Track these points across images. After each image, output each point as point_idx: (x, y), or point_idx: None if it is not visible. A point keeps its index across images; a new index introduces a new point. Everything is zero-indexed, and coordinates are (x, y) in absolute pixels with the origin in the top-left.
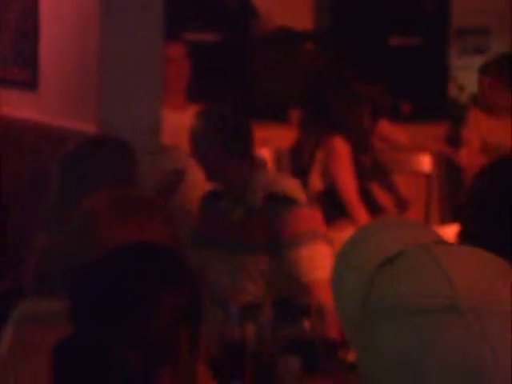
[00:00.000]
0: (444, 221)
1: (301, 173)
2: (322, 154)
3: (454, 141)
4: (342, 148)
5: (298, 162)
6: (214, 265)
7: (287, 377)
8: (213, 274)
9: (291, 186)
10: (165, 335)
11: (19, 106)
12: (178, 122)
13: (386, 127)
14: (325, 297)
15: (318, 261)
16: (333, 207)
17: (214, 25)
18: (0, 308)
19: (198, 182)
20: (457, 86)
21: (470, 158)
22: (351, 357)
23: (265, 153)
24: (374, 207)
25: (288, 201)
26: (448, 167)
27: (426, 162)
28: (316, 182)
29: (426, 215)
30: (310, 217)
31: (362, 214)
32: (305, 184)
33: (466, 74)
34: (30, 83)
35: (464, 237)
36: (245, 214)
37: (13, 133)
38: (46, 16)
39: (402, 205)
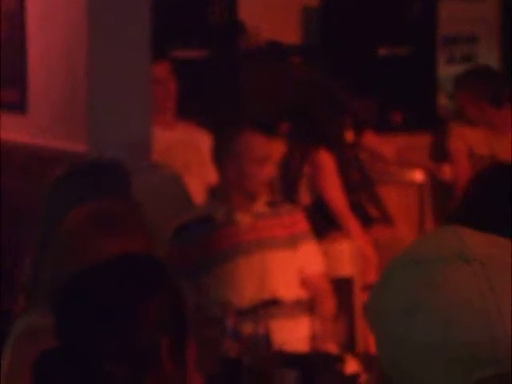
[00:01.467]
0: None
1: (289, 186)
2: (308, 168)
3: (442, 151)
4: (327, 161)
5: (286, 176)
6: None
7: None
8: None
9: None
10: (148, 346)
11: (8, 128)
12: (168, 139)
13: (371, 139)
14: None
15: (319, 256)
16: (323, 220)
17: (201, 41)
18: (2, 326)
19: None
20: (446, 94)
21: (454, 173)
22: (349, 370)
23: None
24: (365, 219)
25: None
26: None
27: (418, 173)
28: (304, 196)
29: (419, 225)
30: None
31: (354, 225)
32: (292, 198)
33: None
34: (19, 105)
35: None
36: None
37: (2, 155)
38: (33, 36)
39: (386, 219)
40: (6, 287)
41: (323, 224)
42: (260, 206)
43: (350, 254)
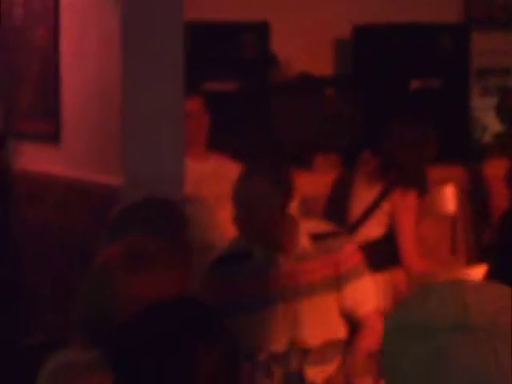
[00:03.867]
0: (471, 262)
1: (338, 216)
2: (388, 205)
3: (477, 182)
4: (414, 204)
5: (339, 206)
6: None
7: None
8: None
9: (326, 224)
10: None
11: (42, 160)
12: (200, 172)
13: None
14: (380, 326)
15: (371, 292)
16: (388, 254)
17: (233, 73)
18: (33, 361)
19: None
20: (479, 126)
21: (490, 203)
22: None
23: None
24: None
25: (337, 234)
26: (473, 208)
27: (450, 204)
28: (373, 229)
29: (452, 256)
30: (357, 248)
31: (418, 264)
32: (344, 227)
33: (488, 115)
34: (53, 136)
35: (492, 276)
36: (295, 260)
37: (36, 187)
38: (67, 68)
39: (427, 254)
40: (39, 320)
41: (386, 258)
42: (303, 242)
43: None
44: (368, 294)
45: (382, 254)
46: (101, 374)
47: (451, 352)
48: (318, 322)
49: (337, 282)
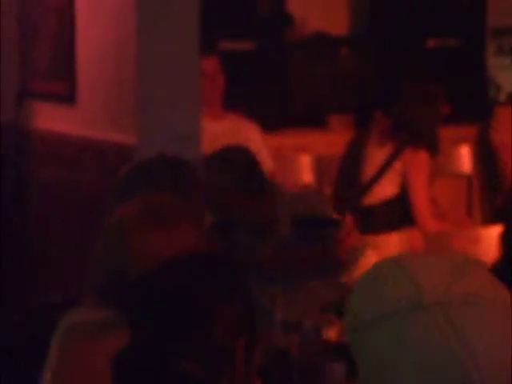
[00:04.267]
0: (486, 222)
1: (352, 176)
2: (400, 165)
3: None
4: (426, 163)
5: (353, 166)
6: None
7: None
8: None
9: (320, 203)
10: (224, 346)
11: (57, 120)
12: (217, 131)
13: None
14: None
15: None
16: (402, 214)
17: (249, 33)
18: (48, 319)
19: None
20: (494, 85)
21: (503, 162)
22: None
23: (304, 159)
24: None
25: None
26: (489, 167)
27: (466, 164)
28: (386, 189)
29: (468, 216)
30: (352, 229)
31: (431, 224)
32: (358, 186)
33: (502, 74)
34: (68, 96)
35: (506, 237)
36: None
37: (52, 146)
38: (81, 29)
39: (441, 215)
40: (55, 279)
41: (401, 217)
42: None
43: (399, 242)
44: None
45: (397, 214)
46: (117, 331)
47: (410, 333)
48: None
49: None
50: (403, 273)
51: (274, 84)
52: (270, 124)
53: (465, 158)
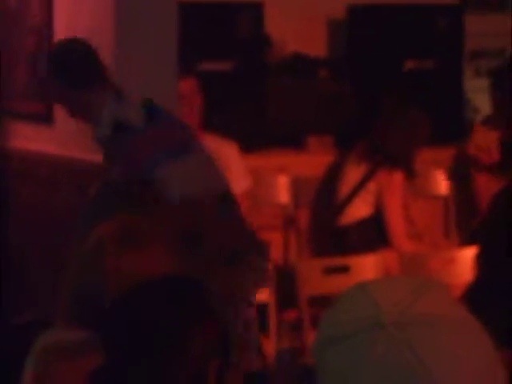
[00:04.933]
0: (463, 243)
1: (328, 196)
2: (374, 185)
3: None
4: (401, 184)
5: (330, 186)
6: None
7: None
8: None
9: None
10: (197, 368)
11: (34, 140)
12: None
13: None
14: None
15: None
16: (377, 234)
17: (227, 54)
18: (21, 341)
19: None
20: (471, 108)
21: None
22: None
23: (282, 180)
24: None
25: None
26: (465, 189)
27: (442, 186)
28: (361, 209)
29: (444, 238)
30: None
31: (406, 245)
32: (333, 207)
33: (480, 97)
34: (45, 116)
35: (481, 258)
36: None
37: (29, 166)
38: None
39: (415, 234)
40: (28, 299)
41: (375, 237)
42: None
43: (375, 264)
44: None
45: (371, 234)
46: (91, 352)
47: (369, 352)
48: None
49: None
50: (365, 294)
51: (253, 105)
52: (248, 144)
53: (441, 179)
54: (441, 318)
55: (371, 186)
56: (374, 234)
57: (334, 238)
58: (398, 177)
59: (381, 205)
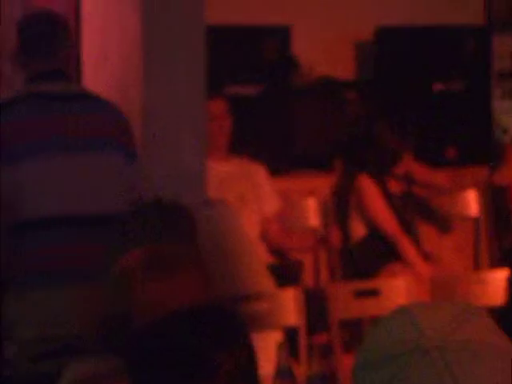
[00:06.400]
0: (493, 265)
1: (343, 221)
2: (354, 198)
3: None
4: (368, 186)
5: (338, 210)
6: None
7: None
8: None
9: None
10: None
11: None
12: (222, 173)
13: (424, 172)
14: None
15: None
16: (382, 250)
17: (255, 77)
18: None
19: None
20: (500, 128)
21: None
22: None
23: (311, 202)
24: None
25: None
26: (496, 210)
27: (473, 207)
28: (358, 228)
29: (475, 260)
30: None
31: (407, 244)
32: (346, 230)
33: (508, 117)
34: None
35: None
36: None
37: None
38: (88, 74)
39: (426, 256)
40: None
41: (383, 254)
42: None
43: (405, 288)
44: None
45: (375, 251)
46: (119, 380)
47: (409, 375)
48: None
49: None
50: (408, 318)
51: (281, 128)
52: (276, 167)
53: (472, 200)
54: (482, 345)
55: (353, 201)
56: (377, 250)
57: (343, 261)
58: (364, 179)
59: (367, 213)
